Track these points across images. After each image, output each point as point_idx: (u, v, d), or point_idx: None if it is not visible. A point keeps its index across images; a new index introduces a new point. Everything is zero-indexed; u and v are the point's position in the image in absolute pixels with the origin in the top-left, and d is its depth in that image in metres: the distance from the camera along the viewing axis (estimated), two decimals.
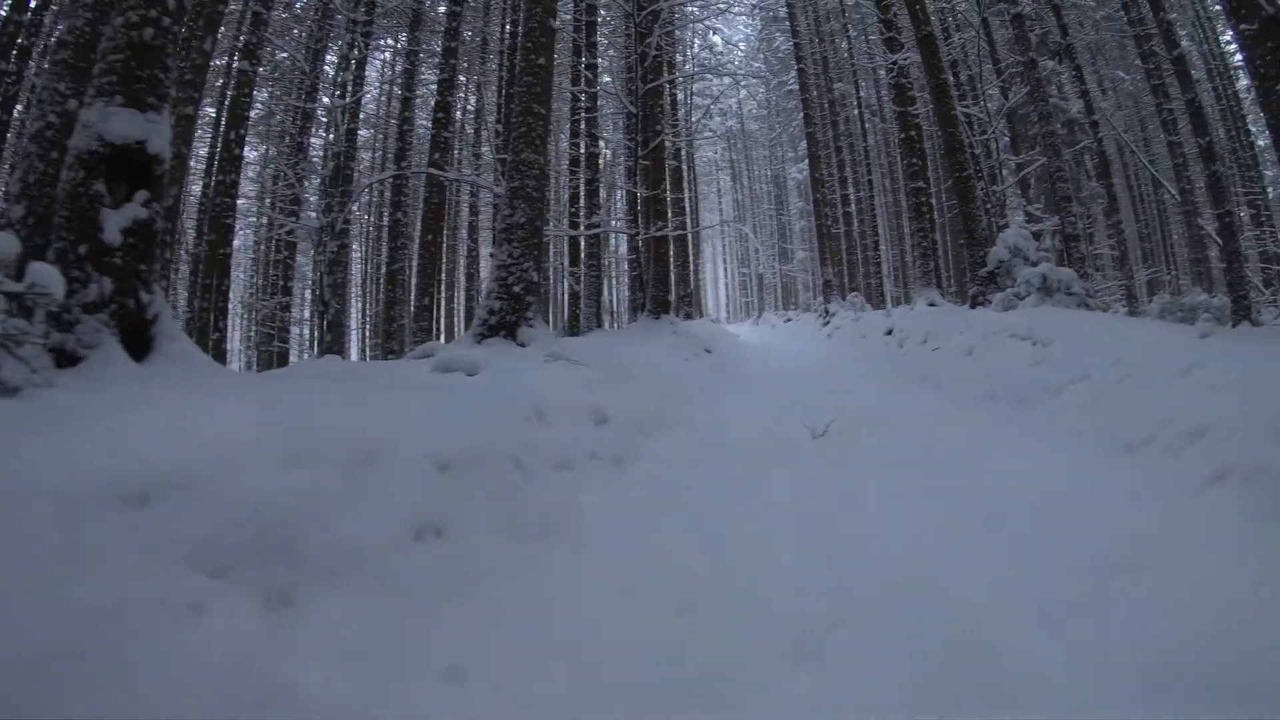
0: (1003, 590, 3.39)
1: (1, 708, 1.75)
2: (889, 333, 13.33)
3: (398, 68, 26.80)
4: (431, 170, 12.84)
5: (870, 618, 3.17)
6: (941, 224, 25.51)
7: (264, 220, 26.17)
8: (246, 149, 28.67)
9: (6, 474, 2.38)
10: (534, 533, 3.69)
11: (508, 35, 21.25)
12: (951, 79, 16.54)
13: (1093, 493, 4.36)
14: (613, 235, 33.12)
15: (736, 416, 8.20)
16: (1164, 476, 4.31)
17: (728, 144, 50.68)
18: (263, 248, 28.14)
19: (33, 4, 14.77)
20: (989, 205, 14.99)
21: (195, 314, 18.86)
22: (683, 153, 29.99)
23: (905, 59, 16.57)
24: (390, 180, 24.97)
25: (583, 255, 19.14)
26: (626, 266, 22.42)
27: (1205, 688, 2.42)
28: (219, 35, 19.28)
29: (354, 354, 34.99)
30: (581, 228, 17.81)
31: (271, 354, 22.03)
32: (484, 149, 23.77)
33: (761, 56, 38.68)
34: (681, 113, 29.63)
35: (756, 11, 39.69)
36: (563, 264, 26.65)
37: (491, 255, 10.38)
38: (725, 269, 60.94)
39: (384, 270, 26.93)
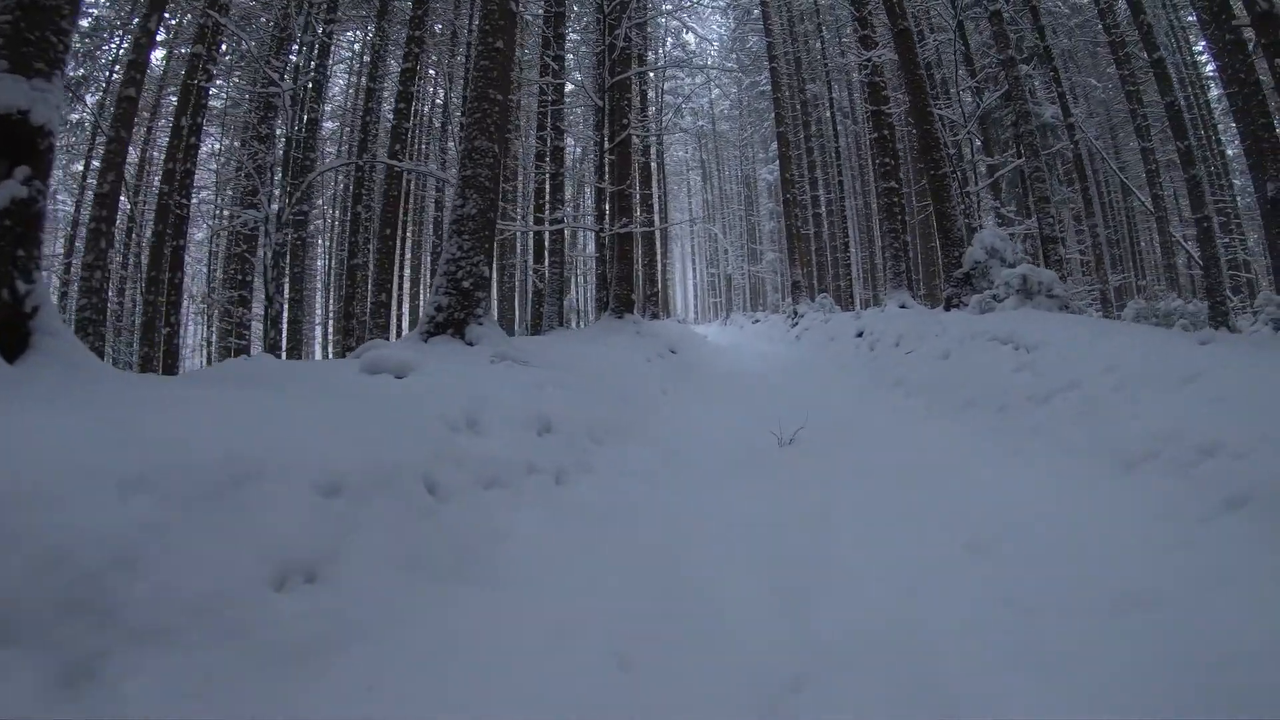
0: (992, 638, 2.91)
1: None
2: (859, 335, 12.89)
3: (366, 59, 26.09)
4: (385, 160, 12.20)
5: (839, 674, 2.68)
6: (910, 225, 25.22)
7: (224, 213, 25.41)
8: (213, 142, 28.00)
9: None
10: (445, 569, 3.10)
11: (476, 28, 20.59)
12: (926, 78, 16.15)
13: (1090, 517, 3.88)
14: (580, 233, 32.64)
15: (700, 422, 7.69)
16: (1170, 499, 3.84)
17: (698, 143, 50.37)
18: (222, 241, 27.30)
19: None
20: (964, 206, 14.62)
21: (143, 308, 18.10)
22: (652, 150, 29.54)
23: (880, 56, 16.16)
24: (352, 173, 24.31)
25: (546, 252, 18.53)
26: (594, 265, 21.90)
27: None
28: (167, 16, 18.60)
29: (318, 351, 34.18)
30: (539, 222, 17.20)
31: (229, 350, 21.21)
32: (450, 144, 23.11)
33: (734, 56, 38.26)
34: (652, 110, 29.22)
35: (730, 10, 39.46)
36: (527, 262, 26.06)
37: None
38: (694, 269, 60.44)
39: (344, 265, 26.25)
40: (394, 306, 26.99)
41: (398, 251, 27.92)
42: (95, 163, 21.55)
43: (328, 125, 31.02)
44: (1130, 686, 2.46)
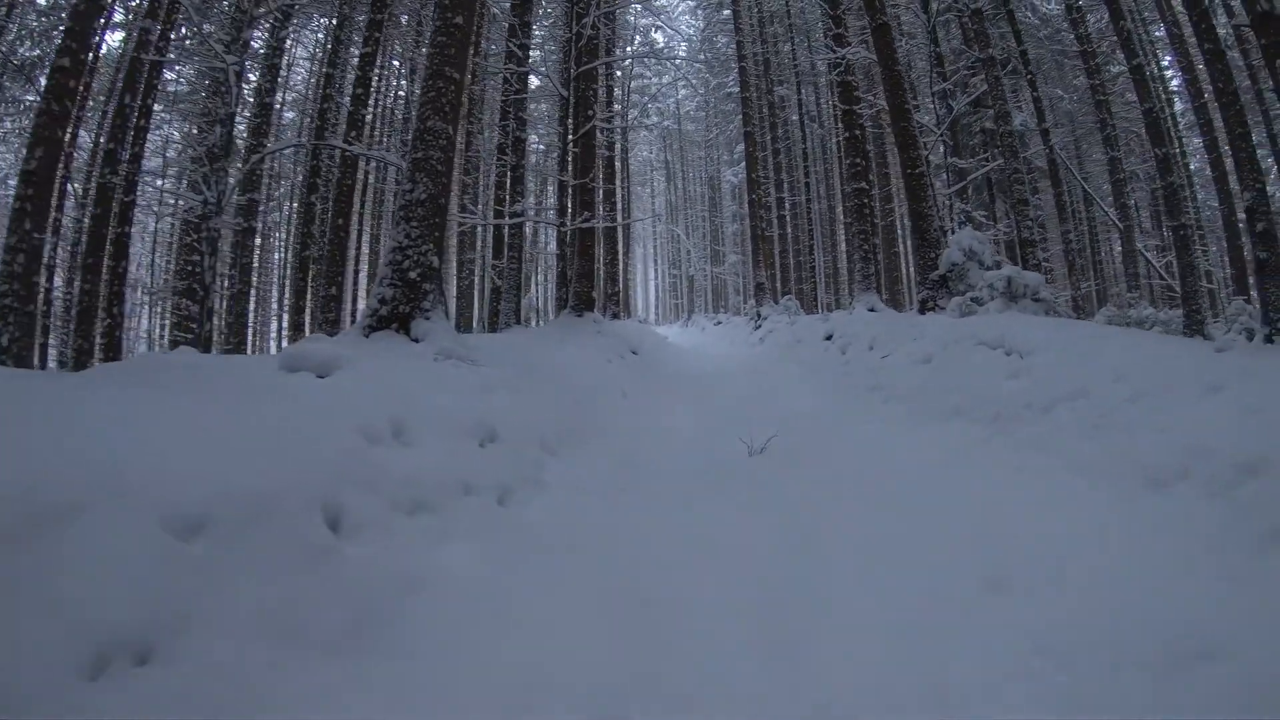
0: (1033, 696, 2.37)
1: None
2: (829, 338, 12.36)
3: (329, 46, 25.23)
4: (335, 144, 11.43)
5: None
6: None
7: (174, 201, 24.32)
8: (170, 129, 26.84)
9: None
10: (337, 635, 2.38)
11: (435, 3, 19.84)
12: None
13: (1121, 546, 3.34)
14: (543, 231, 31.97)
15: (664, 428, 7.09)
16: (1213, 525, 3.32)
17: (664, 144, 50.01)
18: (176, 230, 26.24)
19: None
20: (939, 207, 14.22)
21: (79, 298, 17.09)
22: (617, 146, 28.97)
23: (855, 54, 15.70)
24: (307, 162, 23.35)
25: (506, 247, 17.78)
26: (555, 263, 21.24)
27: None
28: None
29: (273, 346, 33.16)
30: (500, 216, 16.48)
31: (177, 343, 20.18)
32: (411, 135, 22.28)
33: (703, 56, 37.85)
34: (618, 108, 28.63)
35: (700, 10, 39.09)
36: (486, 257, 25.36)
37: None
38: (656, 270, 59.89)
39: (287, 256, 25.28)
40: (348, 300, 26.11)
41: (352, 243, 26.99)
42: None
43: (289, 115, 30.07)
44: None
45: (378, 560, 2.81)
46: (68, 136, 16.84)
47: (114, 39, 21.16)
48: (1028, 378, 5.57)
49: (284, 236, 33.65)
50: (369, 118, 25.95)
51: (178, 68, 23.12)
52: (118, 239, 18.63)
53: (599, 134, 20.08)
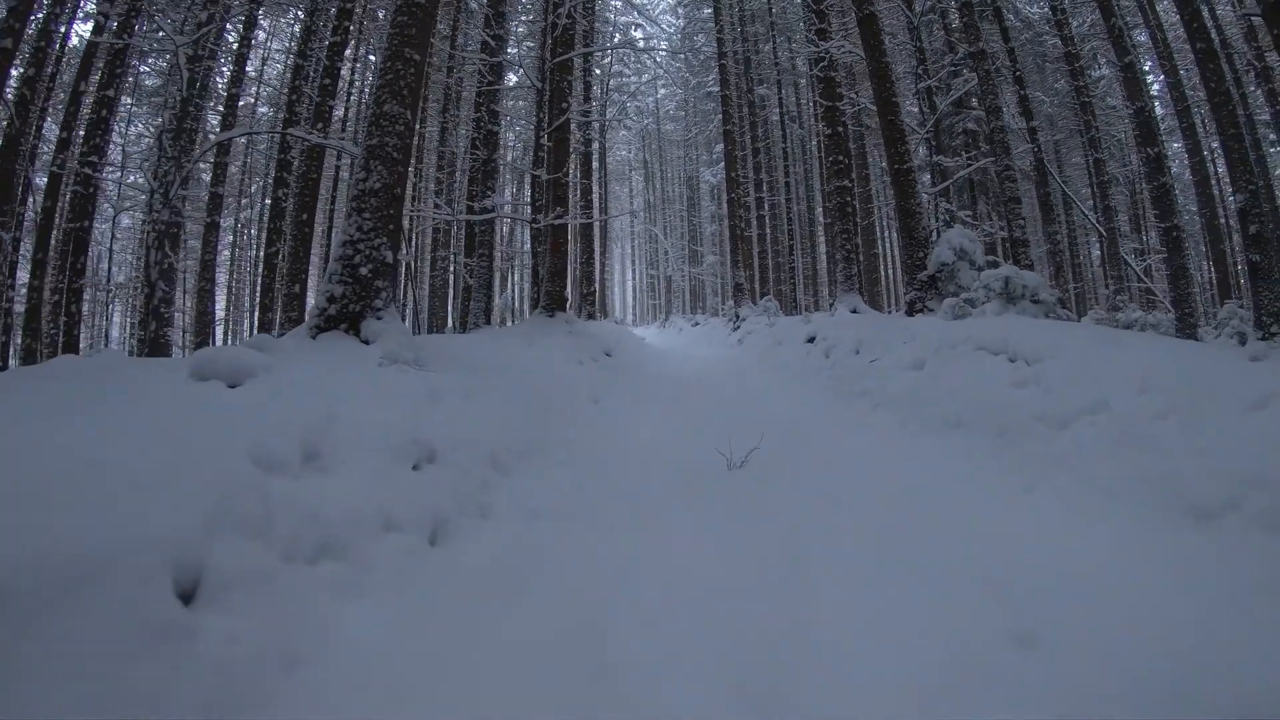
0: None
1: None
2: (811, 340, 11.84)
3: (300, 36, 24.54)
4: (293, 132, 10.77)
5: None
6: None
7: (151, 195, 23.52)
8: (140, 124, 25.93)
9: None
10: None
11: None
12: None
13: (1166, 589, 2.84)
14: (520, 228, 31.29)
15: (636, 437, 6.52)
16: (1274, 566, 2.79)
17: (642, 143, 49.51)
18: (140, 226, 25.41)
19: None
20: (924, 207, 13.76)
21: (28, 294, 16.30)
22: (594, 144, 28.45)
23: (839, 48, 15.19)
24: (274, 156, 22.58)
25: (476, 244, 17.13)
26: (529, 260, 20.63)
27: None
28: None
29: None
30: (471, 211, 15.84)
31: (147, 343, 19.38)
32: None
33: (683, 55, 37.38)
34: (595, 106, 28.09)
35: (680, 8, 38.61)
36: (458, 255, 24.73)
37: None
38: (633, 271, 59.18)
39: (262, 254, 24.43)
40: (312, 298, 25.32)
41: (319, 239, 26.23)
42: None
43: (263, 110, 29.26)
44: None
45: (245, 634, 2.17)
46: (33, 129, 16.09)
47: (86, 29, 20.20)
48: (1037, 387, 5.02)
49: (254, 233, 32.96)
50: (342, 111, 25.27)
51: (151, 60, 22.41)
52: (76, 234, 17.88)
53: (575, 128, 19.52)
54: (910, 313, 10.13)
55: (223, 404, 3.32)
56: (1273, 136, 19.99)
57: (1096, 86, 24.69)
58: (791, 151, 31.62)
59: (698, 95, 39.36)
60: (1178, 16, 24.35)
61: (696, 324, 28.32)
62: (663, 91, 46.37)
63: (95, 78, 18.99)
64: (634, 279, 59.24)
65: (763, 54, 30.15)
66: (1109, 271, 21.95)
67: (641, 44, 29.41)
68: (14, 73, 13.55)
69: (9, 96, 13.33)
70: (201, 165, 22.13)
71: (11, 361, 19.36)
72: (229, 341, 32.72)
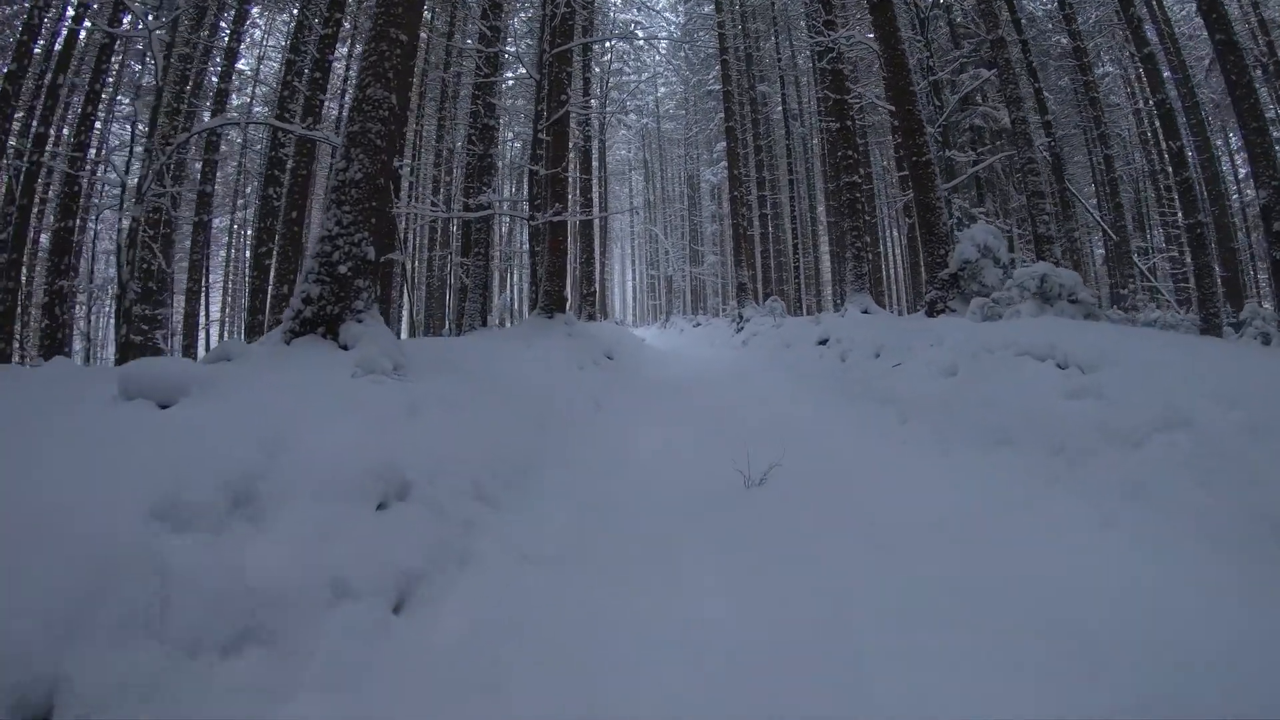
0: None
1: None
2: (823, 342, 11.29)
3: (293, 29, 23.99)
4: (273, 123, 10.19)
5: None
6: None
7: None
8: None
9: None
10: None
11: None
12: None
13: None
14: (520, 227, 30.72)
15: (642, 452, 5.92)
16: None
17: (642, 142, 49.00)
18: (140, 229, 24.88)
19: None
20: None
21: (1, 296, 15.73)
22: (594, 141, 27.93)
23: (850, 36, 14.61)
24: (266, 152, 21.97)
25: (472, 243, 16.55)
26: (529, 260, 20.08)
27: None
28: None
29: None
30: (467, 209, 15.26)
31: (134, 347, 18.87)
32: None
33: (684, 52, 36.87)
34: (595, 102, 27.55)
35: (681, 4, 38.07)
36: (454, 255, 24.18)
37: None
38: (633, 271, 58.59)
39: (251, 254, 23.87)
40: None
41: (305, 238, 25.62)
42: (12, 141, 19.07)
43: (259, 110, 28.68)
44: None
45: None
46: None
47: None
48: (1096, 399, 4.42)
49: (250, 234, 32.52)
50: (337, 109, 24.66)
51: (147, 59, 21.86)
52: (60, 233, 17.38)
53: (574, 124, 18.95)
54: (931, 313, 9.55)
55: (144, 430, 2.71)
56: None
57: (1101, 84, 24.13)
58: (794, 149, 31.09)
59: (698, 93, 38.92)
60: (1183, 13, 24.01)
61: (698, 325, 27.88)
62: (663, 90, 45.91)
63: (74, 73, 18.51)
64: (634, 279, 58.72)
65: (765, 50, 29.65)
66: (1114, 270, 21.45)
67: (641, 36, 28.77)
68: None
69: None
70: (197, 164, 21.55)
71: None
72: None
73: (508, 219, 25.39)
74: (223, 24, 21.49)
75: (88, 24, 16.13)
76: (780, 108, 30.02)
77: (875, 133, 26.49)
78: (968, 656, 2.48)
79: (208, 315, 30.99)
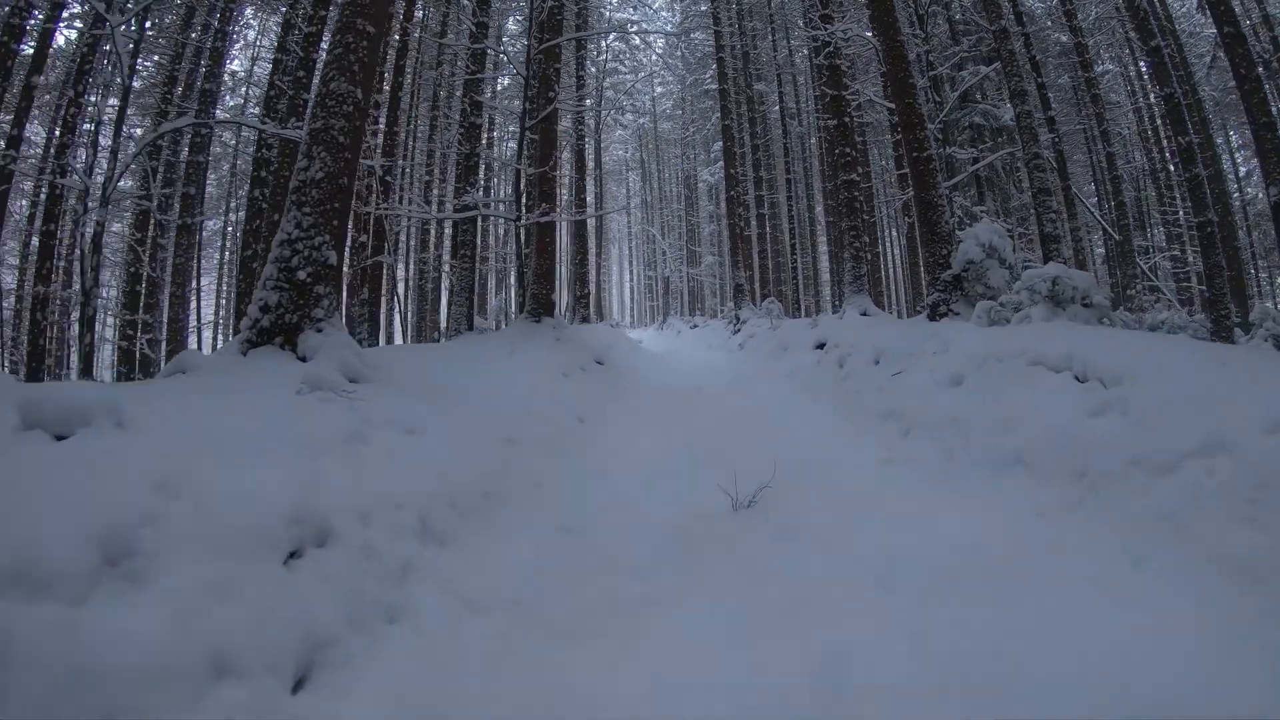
0: None
1: None
2: (820, 346, 10.87)
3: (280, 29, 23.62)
4: (248, 123, 9.76)
5: None
6: None
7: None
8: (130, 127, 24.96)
9: None
10: None
11: None
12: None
13: None
14: (506, 229, 30.31)
15: (625, 469, 5.48)
16: None
17: (639, 142, 48.59)
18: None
19: None
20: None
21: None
22: (588, 140, 27.51)
23: (847, 30, 14.18)
24: (252, 152, 21.56)
25: (459, 245, 16.13)
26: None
27: None
28: None
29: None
30: (449, 209, 14.85)
31: (122, 353, 18.48)
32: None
33: (680, 52, 36.46)
34: (590, 101, 27.08)
35: (677, 4, 37.68)
36: (443, 257, 23.83)
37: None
38: (631, 272, 58.17)
39: (239, 258, 23.47)
40: None
41: None
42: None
43: (253, 111, 28.28)
44: None
45: None
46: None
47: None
48: (1122, 416, 3.96)
49: (240, 236, 32.24)
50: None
51: (140, 60, 21.40)
52: (42, 239, 17.03)
53: (570, 122, 18.51)
54: (933, 316, 9.10)
55: (29, 468, 2.28)
56: None
57: (1102, 81, 23.78)
58: (792, 149, 30.68)
59: (695, 93, 38.53)
60: (1182, 9, 23.64)
61: (695, 326, 27.53)
62: (659, 89, 45.50)
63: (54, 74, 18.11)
64: (631, 280, 58.33)
65: (761, 49, 29.25)
66: (1115, 270, 21.10)
67: (635, 32, 28.38)
68: None
69: None
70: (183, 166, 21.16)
71: None
72: (216, 348, 31.82)
73: (504, 221, 25.04)
74: (213, 23, 21.09)
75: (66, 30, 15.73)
76: (778, 107, 29.58)
77: (873, 131, 26.11)
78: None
79: (199, 319, 30.61)
